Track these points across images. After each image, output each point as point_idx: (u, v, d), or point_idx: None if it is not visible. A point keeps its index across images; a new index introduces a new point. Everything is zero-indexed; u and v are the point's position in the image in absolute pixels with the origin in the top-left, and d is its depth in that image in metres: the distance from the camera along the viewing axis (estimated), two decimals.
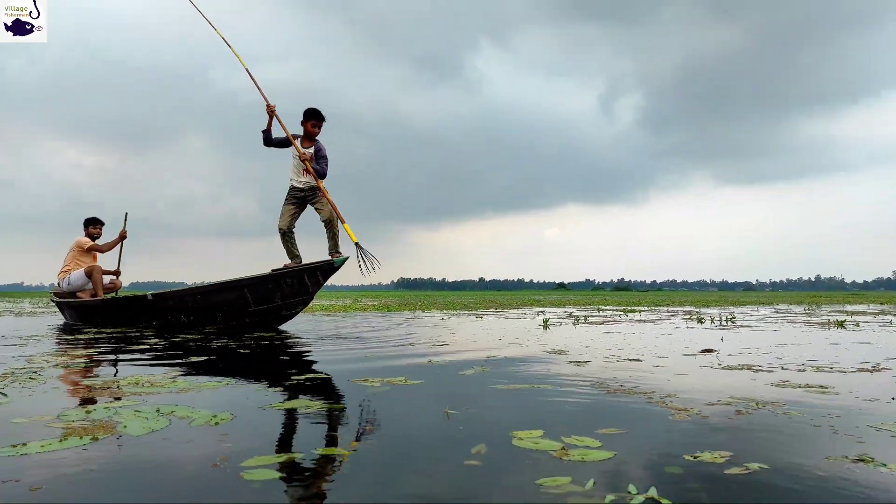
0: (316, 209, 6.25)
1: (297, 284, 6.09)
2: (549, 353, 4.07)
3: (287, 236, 6.32)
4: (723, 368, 3.32)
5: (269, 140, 6.25)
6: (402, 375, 2.96)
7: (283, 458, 1.54)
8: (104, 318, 7.11)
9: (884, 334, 5.86)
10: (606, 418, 2.03)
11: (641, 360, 3.67)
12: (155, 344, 4.73)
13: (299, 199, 6.27)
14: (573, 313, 10.51)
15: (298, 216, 6.36)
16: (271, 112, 6.19)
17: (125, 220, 8.00)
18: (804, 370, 3.22)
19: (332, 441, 1.72)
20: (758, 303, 19.11)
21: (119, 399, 2.34)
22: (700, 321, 8.22)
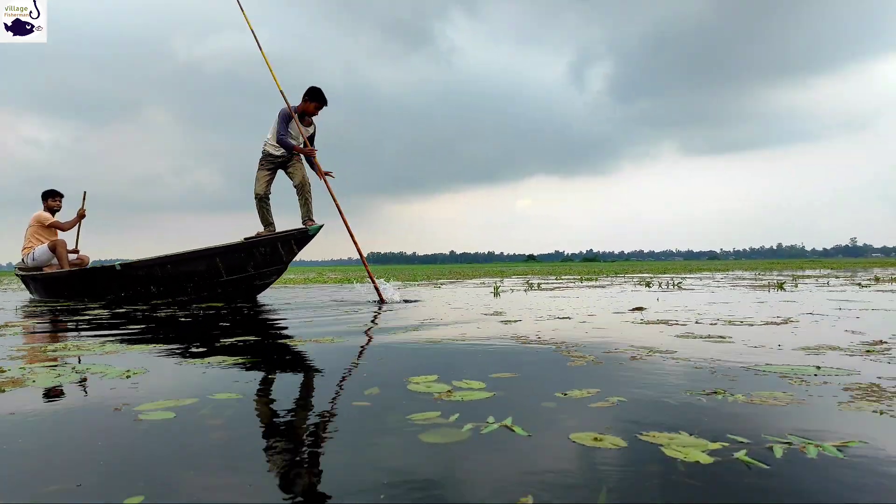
0: (289, 174, 6.18)
1: (271, 253, 6.01)
2: (486, 315, 4.20)
3: (263, 202, 6.24)
4: (642, 323, 3.50)
5: (289, 148, 6.14)
6: (331, 336, 3.05)
7: (180, 402, 1.63)
8: (71, 290, 6.98)
9: (814, 294, 6.15)
10: (506, 365, 2.16)
11: (570, 319, 3.83)
12: (98, 315, 4.73)
13: (274, 166, 6.20)
14: (530, 282, 10.71)
15: (272, 181, 6.29)
16: (310, 153, 6.12)
17: (84, 199, 7.81)
18: (715, 324, 3.41)
19: (231, 388, 1.81)
20: (714, 269, 19.67)
21: (27, 359, 2.38)
22: (648, 286, 8.48)
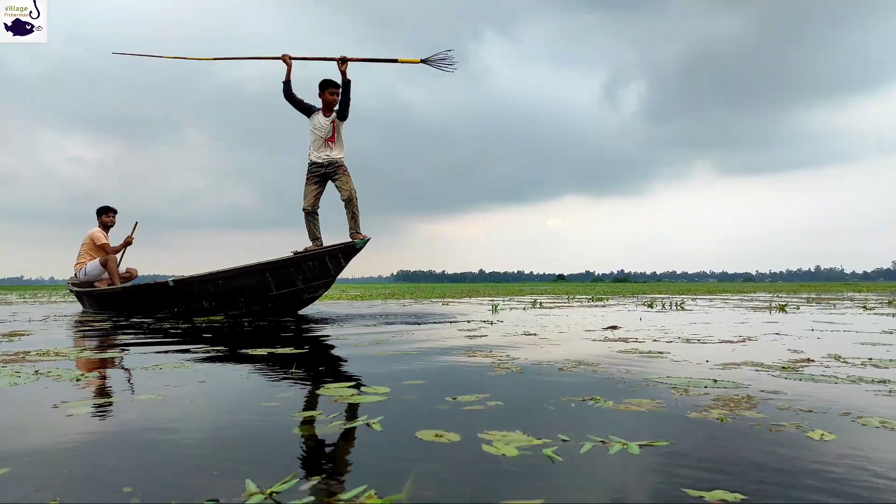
0: (336, 187, 6.20)
1: (319, 267, 6.13)
2: (460, 330, 4.34)
3: (311, 217, 6.29)
4: (600, 340, 3.60)
5: (289, 90, 6.21)
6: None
7: (103, 400, 1.82)
8: (124, 305, 7.15)
9: (807, 317, 6.13)
10: (428, 374, 2.31)
11: (536, 335, 3.95)
12: (111, 325, 5.00)
13: (320, 177, 6.21)
14: (537, 301, 10.78)
15: (321, 195, 6.27)
16: (286, 60, 6.17)
17: (134, 228, 8.12)
18: (671, 342, 3.49)
19: (146, 391, 2.00)
20: (741, 291, 19.39)
21: (9, 364, 2.61)
22: (650, 306, 8.49)
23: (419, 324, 5.08)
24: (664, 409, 1.67)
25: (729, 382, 2.08)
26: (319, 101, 6.26)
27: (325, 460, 1.24)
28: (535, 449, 1.28)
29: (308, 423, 1.52)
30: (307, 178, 6.26)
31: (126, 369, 2.49)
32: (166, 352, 3.07)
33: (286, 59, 6.18)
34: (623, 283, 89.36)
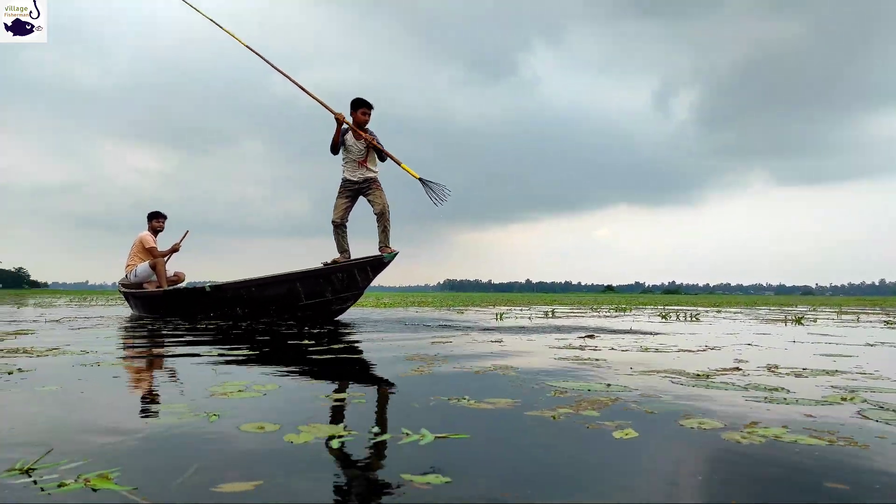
0: (369, 201, 6.32)
1: (348, 279, 6.24)
2: (436, 338, 4.41)
3: (340, 229, 6.43)
4: (559, 348, 3.60)
5: (337, 148, 6.34)
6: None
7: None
8: (166, 308, 7.45)
9: (816, 329, 5.92)
10: (350, 374, 2.39)
11: (501, 341, 3.98)
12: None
13: (353, 192, 6.33)
14: (554, 310, 10.71)
15: (351, 209, 6.40)
16: (341, 120, 6.20)
17: (183, 236, 8.46)
18: (628, 351, 3.47)
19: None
20: (780, 304, 18.71)
21: None
22: (665, 318, 8.34)
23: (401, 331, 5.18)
24: (513, 407, 1.71)
25: (620, 387, 2.09)
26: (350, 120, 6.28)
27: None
28: (330, 439, 1.34)
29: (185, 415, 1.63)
30: (339, 192, 6.38)
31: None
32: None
33: (341, 118, 6.21)
34: (673, 295, 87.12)
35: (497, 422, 1.54)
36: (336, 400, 1.83)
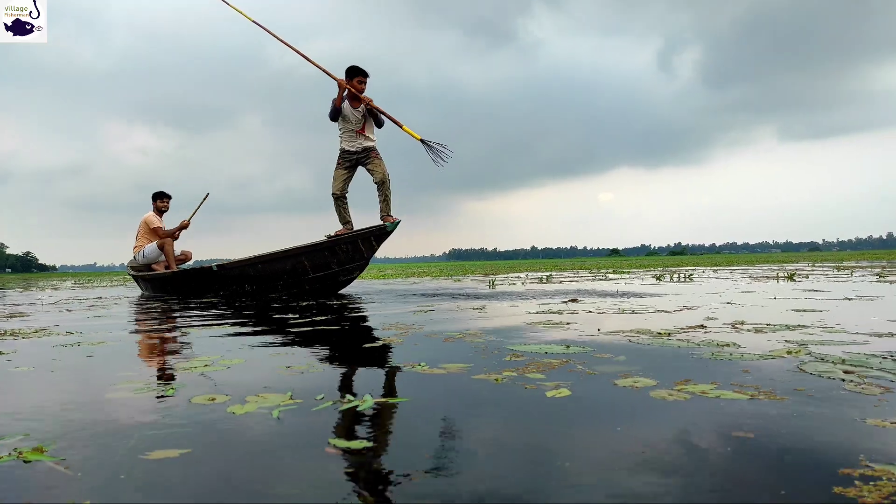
0: (368, 170, 6.28)
1: (353, 250, 6.28)
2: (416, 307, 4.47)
3: (340, 201, 6.40)
4: (538, 313, 3.64)
5: (336, 115, 6.22)
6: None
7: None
8: (175, 288, 7.63)
9: (803, 285, 5.95)
10: (320, 346, 2.45)
11: (483, 310, 4.03)
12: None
13: (351, 163, 6.29)
14: (550, 276, 10.77)
15: (350, 180, 6.37)
16: (344, 86, 6.09)
17: (195, 211, 8.36)
18: (604, 313, 3.52)
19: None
20: (782, 261, 18.70)
21: None
22: (659, 279, 8.38)
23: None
24: (463, 372, 1.76)
25: (578, 348, 2.14)
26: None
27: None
28: (271, 409, 1.40)
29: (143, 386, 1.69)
30: (338, 164, 6.33)
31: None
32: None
33: (343, 84, 6.11)
34: (679, 256, 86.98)
35: (440, 386, 1.60)
36: (296, 371, 1.88)
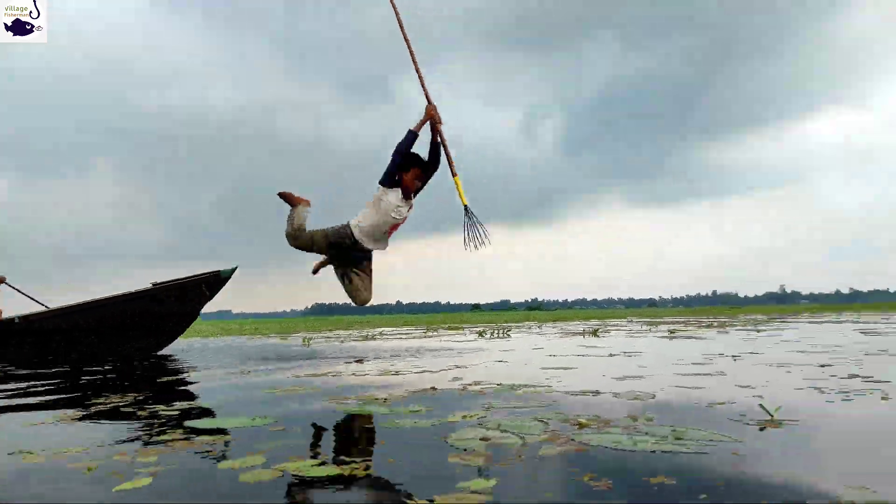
0: (354, 273, 3.83)
1: (179, 299, 5.66)
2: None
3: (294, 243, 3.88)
4: (300, 377, 3.74)
5: (407, 162, 3.73)
6: None
7: None
8: None
9: (597, 342, 6.58)
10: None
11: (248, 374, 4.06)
12: None
13: (347, 258, 3.84)
14: (382, 332, 10.92)
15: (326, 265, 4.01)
16: (431, 114, 3.79)
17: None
18: (367, 375, 3.69)
19: None
20: (614, 317, 20.24)
21: None
22: (481, 335, 8.79)
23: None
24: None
25: (280, 413, 2.26)
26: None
27: None
28: None
29: None
30: (336, 237, 3.75)
31: None
32: None
33: (432, 113, 3.78)
34: (534, 311, 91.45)
35: None
36: None
